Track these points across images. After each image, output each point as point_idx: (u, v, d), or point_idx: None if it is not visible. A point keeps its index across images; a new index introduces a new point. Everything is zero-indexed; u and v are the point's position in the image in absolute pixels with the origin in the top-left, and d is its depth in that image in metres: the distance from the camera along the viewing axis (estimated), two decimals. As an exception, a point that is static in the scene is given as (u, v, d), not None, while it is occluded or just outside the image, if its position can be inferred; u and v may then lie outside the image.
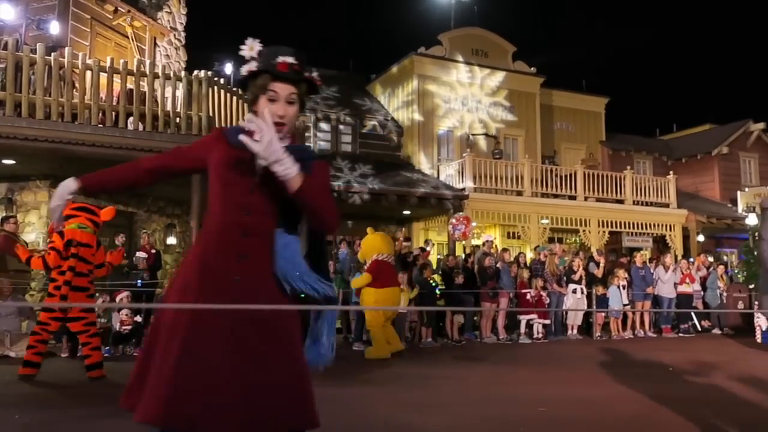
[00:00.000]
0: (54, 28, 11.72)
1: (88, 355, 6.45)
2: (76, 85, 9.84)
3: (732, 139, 22.13)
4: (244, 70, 2.18)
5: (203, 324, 1.98)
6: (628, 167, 19.01)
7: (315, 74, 2.22)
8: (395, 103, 19.13)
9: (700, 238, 18.73)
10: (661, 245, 18.72)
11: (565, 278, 12.05)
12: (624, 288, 12.37)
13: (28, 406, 5.19)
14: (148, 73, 10.11)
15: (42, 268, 6.62)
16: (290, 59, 2.13)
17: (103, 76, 9.78)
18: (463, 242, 15.14)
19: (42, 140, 9.25)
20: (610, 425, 4.79)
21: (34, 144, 9.23)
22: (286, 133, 2.15)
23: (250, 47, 2.17)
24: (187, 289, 2.07)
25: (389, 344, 8.75)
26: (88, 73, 9.74)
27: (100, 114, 9.67)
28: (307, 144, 15.40)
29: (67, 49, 10.05)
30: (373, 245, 9.03)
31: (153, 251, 10.72)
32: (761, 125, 22.51)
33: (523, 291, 11.51)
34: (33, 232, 10.88)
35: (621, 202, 17.60)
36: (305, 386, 2.08)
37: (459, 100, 18.82)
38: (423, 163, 17.90)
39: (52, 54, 9.57)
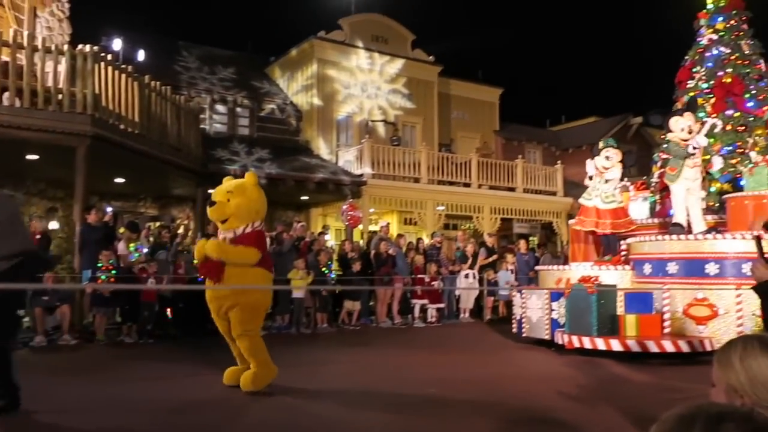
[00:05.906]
0: None
1: None
2: (-58, 55, 9.05)
3: (613, 132, 23.46)
4: None
5: None
6: (520, 156, 19.77)
7: None
8: (294, 86, 18.89)
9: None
10: (548, 232, 19.65)
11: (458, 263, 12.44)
12: (513, 273, 12.92)
13: None
14: (26, 45, 9.43)
15: None
16: None
17: (-26, 47, 9.04)
18: (360, 228, 15.24)
19: None
20: (494, 404, 5.01)
21: None
22: None
23: None
24: None
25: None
26: (-44, 43, 8.97)
27: (-29, 88, 8.93)
28: (202, 126, 14.94)
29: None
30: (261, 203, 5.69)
31: (38, 236, 9.97)
32: (639, 119, 24.06)
33: (419, 276, 11.78)
34: None
35: (512, 190, 18.28)
36: None
37: (359, 85, 18.82)
38: (322, 148, 17.82)
39: None
